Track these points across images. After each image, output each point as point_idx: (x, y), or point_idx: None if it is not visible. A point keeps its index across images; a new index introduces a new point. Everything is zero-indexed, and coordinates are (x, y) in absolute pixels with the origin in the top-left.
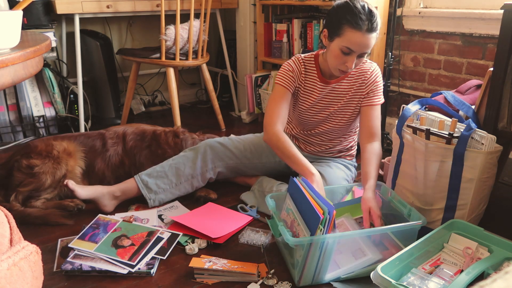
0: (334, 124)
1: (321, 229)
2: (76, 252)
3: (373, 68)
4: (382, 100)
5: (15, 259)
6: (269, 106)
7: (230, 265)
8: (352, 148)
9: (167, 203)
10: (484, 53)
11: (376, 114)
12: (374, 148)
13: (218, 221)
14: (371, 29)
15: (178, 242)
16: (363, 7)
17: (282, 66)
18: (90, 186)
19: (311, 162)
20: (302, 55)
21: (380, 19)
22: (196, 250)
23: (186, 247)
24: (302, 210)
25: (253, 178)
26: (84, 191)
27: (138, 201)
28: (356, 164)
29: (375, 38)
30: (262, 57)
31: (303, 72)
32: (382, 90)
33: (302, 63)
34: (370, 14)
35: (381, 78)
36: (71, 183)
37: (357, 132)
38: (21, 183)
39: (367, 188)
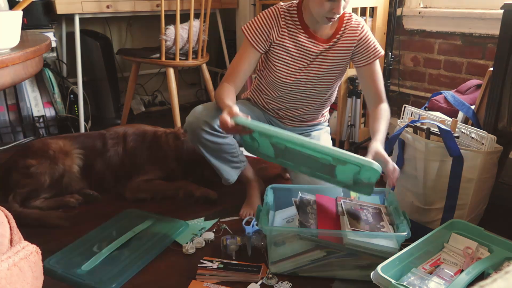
0: (317, 93)
1: None
2: None
3: (362, 24)
4: (381, 53)
5: (15, 259)
6: (231, 64)
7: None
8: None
9: None
10: (484, 53)
11: (378, 72)
12: (383, 108)
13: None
14: None
15: (176, 242)
16: None
17: (256, 16)
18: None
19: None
20: (282, 3)
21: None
22: (191, 251)
23: (184, 245)
24: None
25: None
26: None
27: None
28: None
29: None
30: None
31: (283, 25)
32: (376, 43)
33: (283, 15)
34: None
35: (370, 32)
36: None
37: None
38: (18, 184)
39: (376, 139)
